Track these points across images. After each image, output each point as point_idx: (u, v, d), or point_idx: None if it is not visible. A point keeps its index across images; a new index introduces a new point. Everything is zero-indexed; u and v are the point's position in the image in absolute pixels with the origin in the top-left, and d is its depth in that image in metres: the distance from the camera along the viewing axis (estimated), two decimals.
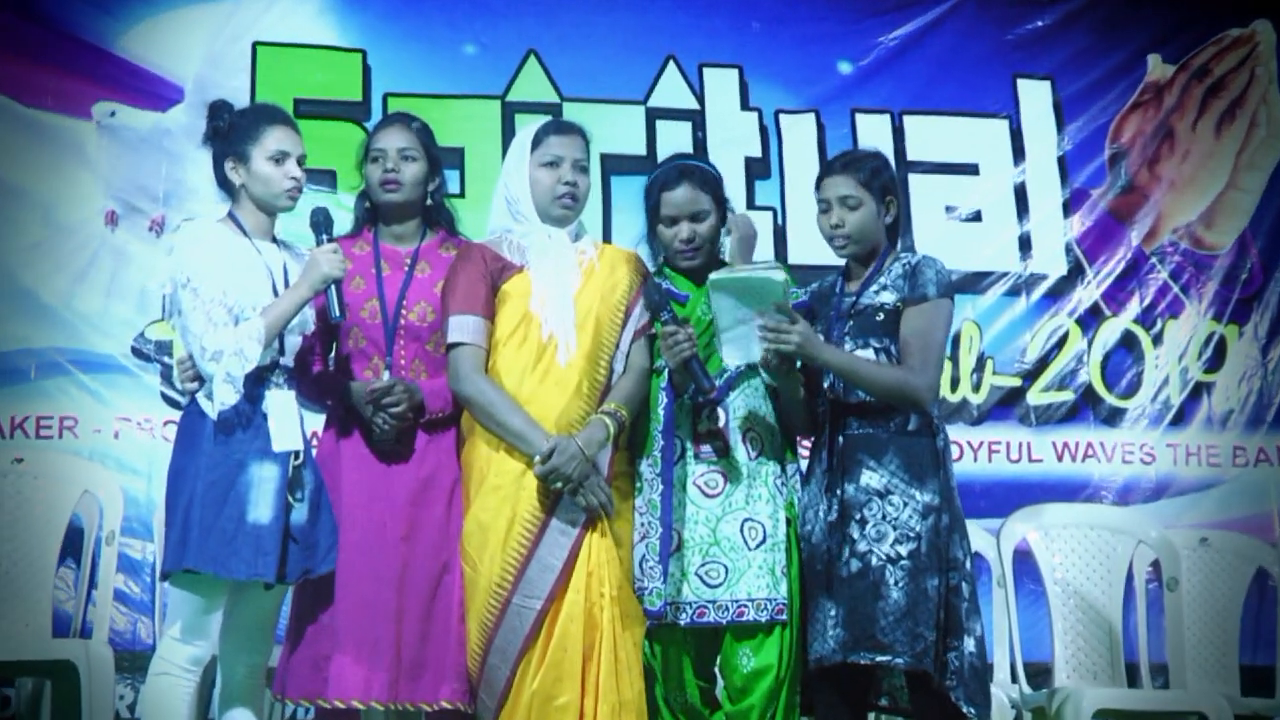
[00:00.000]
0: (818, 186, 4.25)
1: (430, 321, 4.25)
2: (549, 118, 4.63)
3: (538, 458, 4.01)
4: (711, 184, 4.29)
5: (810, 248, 4.25)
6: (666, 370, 4.14)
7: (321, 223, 4.12)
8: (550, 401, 4.11)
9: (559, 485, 4.03)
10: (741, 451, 4.19)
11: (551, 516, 4.08)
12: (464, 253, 4.27)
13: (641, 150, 6.45)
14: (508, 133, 6.18)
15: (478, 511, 4.12)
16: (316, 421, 4.35)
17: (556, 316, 4.15)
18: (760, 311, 3.96)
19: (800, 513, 4.19)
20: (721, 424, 4.18)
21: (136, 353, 5.94)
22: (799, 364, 4.13)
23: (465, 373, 4.13)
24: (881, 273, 4.20)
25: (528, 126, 4.34)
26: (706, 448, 4.19)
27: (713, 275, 4.00)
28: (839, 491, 4.09)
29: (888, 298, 4.15)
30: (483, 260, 4.20)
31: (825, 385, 4.20)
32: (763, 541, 4.16)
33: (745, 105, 6.64)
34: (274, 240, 4.16)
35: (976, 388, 6.62)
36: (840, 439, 4.13)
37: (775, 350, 3.98)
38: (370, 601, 4.10)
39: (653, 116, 6.54)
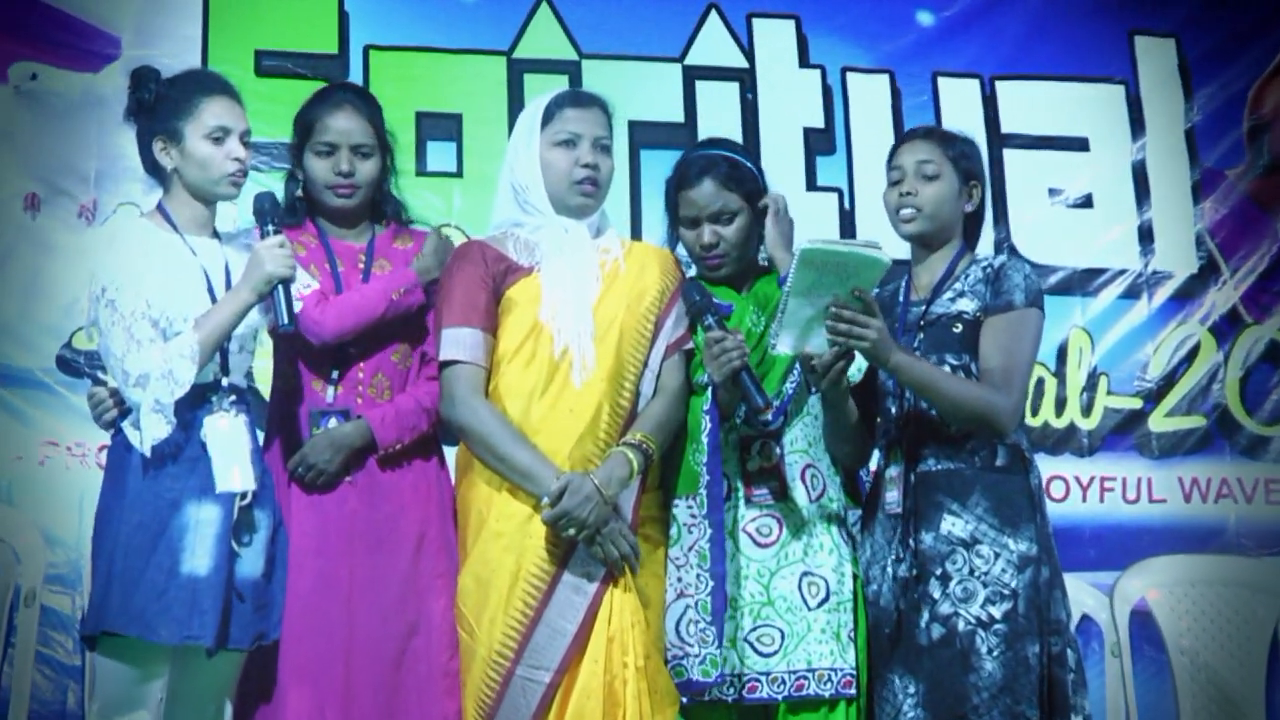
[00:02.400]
0: (891, 155, 4.34)
1: (398, 329, 4.30)
2: (564, 85, 4.69)
3: (546, 499, 4.03)
4: (741, 178, 4.34)
5: (884, 239, 4.21)
6: (711, 388, 4.15)
7: (267, 211, 4.14)
8: (563, 431, 4.12)
9: (572, 533, 4.04)
10: (800, 492, 4.24)
11: (563, 570, 4.09)
12: (461, 252, 4.32)
13: (678, 116, 6.41)
14: (515, 97, 6.18)
15: (475, 564, 4.14)
16: None
17: (572, 328, 4.17)
18: (838, 296, 3.95)
19: (863, 569, 4.25)
20: (776, 460, 4.22)
21: (63, 365, 5.91)
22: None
23: (461, 396, 4.14)
24: (956, 276, 4.25)
25: (537, 98, 4.39)
26: (760, 490, 4.23)
27: (806, 243, 3.95)
28: (913, 541, 4.11)
29: (966, 306, 4.20)
30: (483, 261, 4.23)
31: (893, 408, 4.24)
32: (825, 600, 4.20)
33: (804, 63, 6.60)
34: (214, 235, 4.19)
35: (1087, 411, 6.57)
36: (912, 476, 4.16)
37: (845, 345, 3.97)
38: (314, 673, 4.13)
39: (691, 76, 6.50)
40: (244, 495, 4.01)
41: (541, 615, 4.05)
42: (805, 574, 4.19)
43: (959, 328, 4.17)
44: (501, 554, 4.10)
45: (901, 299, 4.29)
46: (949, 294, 4.21)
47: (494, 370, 4.19)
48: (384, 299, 4.23)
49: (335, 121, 4.35)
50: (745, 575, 4.19)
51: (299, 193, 4.42)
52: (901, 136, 4.43)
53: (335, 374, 4.29)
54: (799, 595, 4.18)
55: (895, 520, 4.14)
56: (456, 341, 4.17)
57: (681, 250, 4.44)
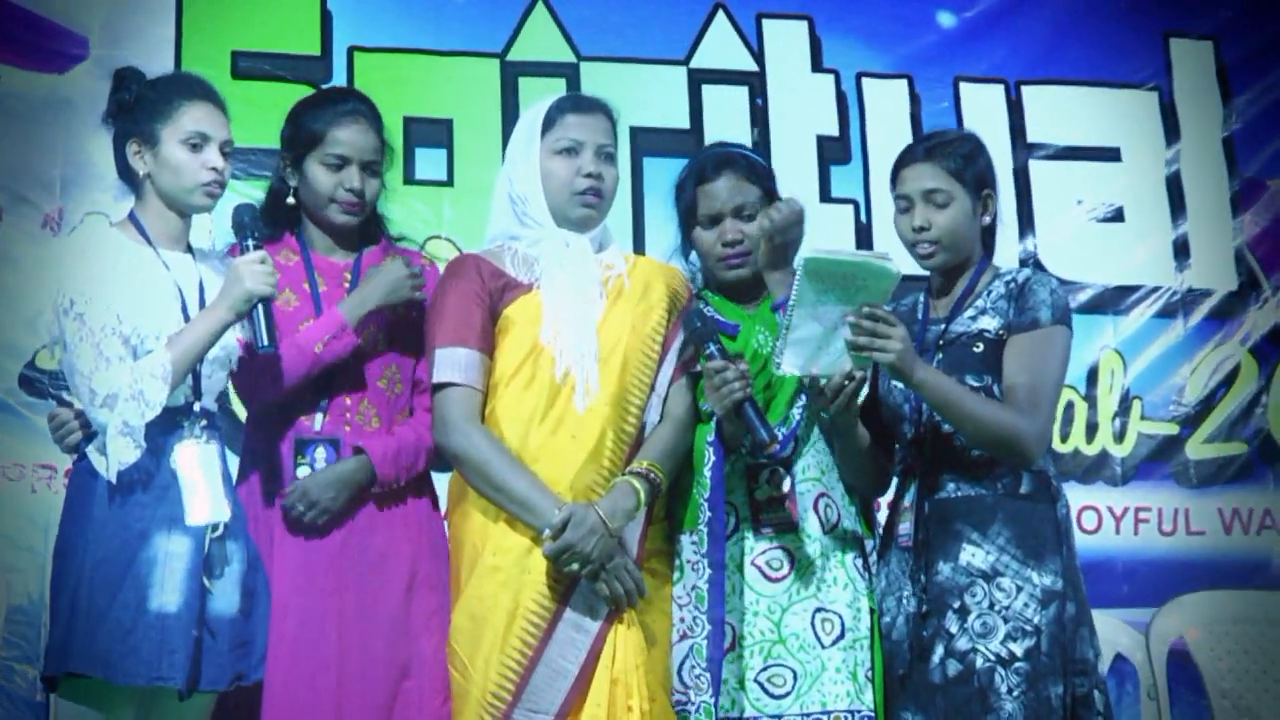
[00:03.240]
0: (894, 179, 4.30)
1: (382, 351, 4.30)
2: (562, 89, 4.68)
3: (547, 531, 4.01)
4: (761, 175, 4.38)
5: (904, 253, 4.20)
6: (715, 419, 4.14)
7: (247, 224, 4.12)
8: (564, 459, 4.12)
9: (575, 567, 4.02)
10: (812, 523, 4.23)
11: (565, 607, 4.07)
12: (455, 267, 4.30)
13: (683, 122, 6.43)
14: (509, 102, 6.19)
15: (469, 601, 4.12)
16: None
17: (574, 349, 4.16)
18: (850, 311, 3.92)
19: (878, 601, 4.25)
20: (786, 489, 4.21)
21: (26, 384, 5.91)
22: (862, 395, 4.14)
23: (455, 421, 4.13)
24: (977, 293, 4.24)
25: (537, 103, 4.37)
26: (769, 521, 4.22)
27: (808, 252, 3.94)
28: (929, 573, 4.11)
29: (988, 324, 4.18)
30: (478, 277, 4.22)
31: (909, 432, 4.23)
32: (840, 637, 4.19)
33: (817, 67, 6.62)
34: (188, 250, 4.16)
35: (1120, 437, 6.58)
36: (927, 504, 4.15)
37: (867, 359, 3.94)
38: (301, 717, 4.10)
39: (697, 80, 6.52)
40: (215, 527, 3.98)
41: (541, 655, 4.04)
42: (818, 610, 4.19)
43: (980, 347, 4.15)
44: (498, 590, 4.08)
45: (920, 316, 4.28)
46: (970, 311, 4.20)
47: (490, 394, 4.18)
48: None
49: (349, 135, 4.34)
50: (754, 611, 4.18)
51: (290, 200, 4.40)
52: (901, 156, 4.34)
53: (324, 401, 4.27)
54: (812, 633, 4.17)
55: (910, 550, 4.15)
56: (450, 362, 4.15)
57: (689, 262, 4.46)
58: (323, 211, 4.35)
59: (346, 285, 4.33)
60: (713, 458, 4.14)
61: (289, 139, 4.41)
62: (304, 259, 4.36)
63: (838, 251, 4.01)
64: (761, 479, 4.22)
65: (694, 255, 4.47)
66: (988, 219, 4.27)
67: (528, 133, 4.29)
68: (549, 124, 4.26)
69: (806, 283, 3.91)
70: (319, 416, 4.26)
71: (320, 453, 4.25)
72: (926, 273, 4.32)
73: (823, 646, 4.16)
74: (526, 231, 4.26)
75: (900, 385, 4.14)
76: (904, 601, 4.13)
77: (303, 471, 4.22)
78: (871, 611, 4.23)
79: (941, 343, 4.18)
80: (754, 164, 4.38)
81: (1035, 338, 4.11)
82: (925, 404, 4.14)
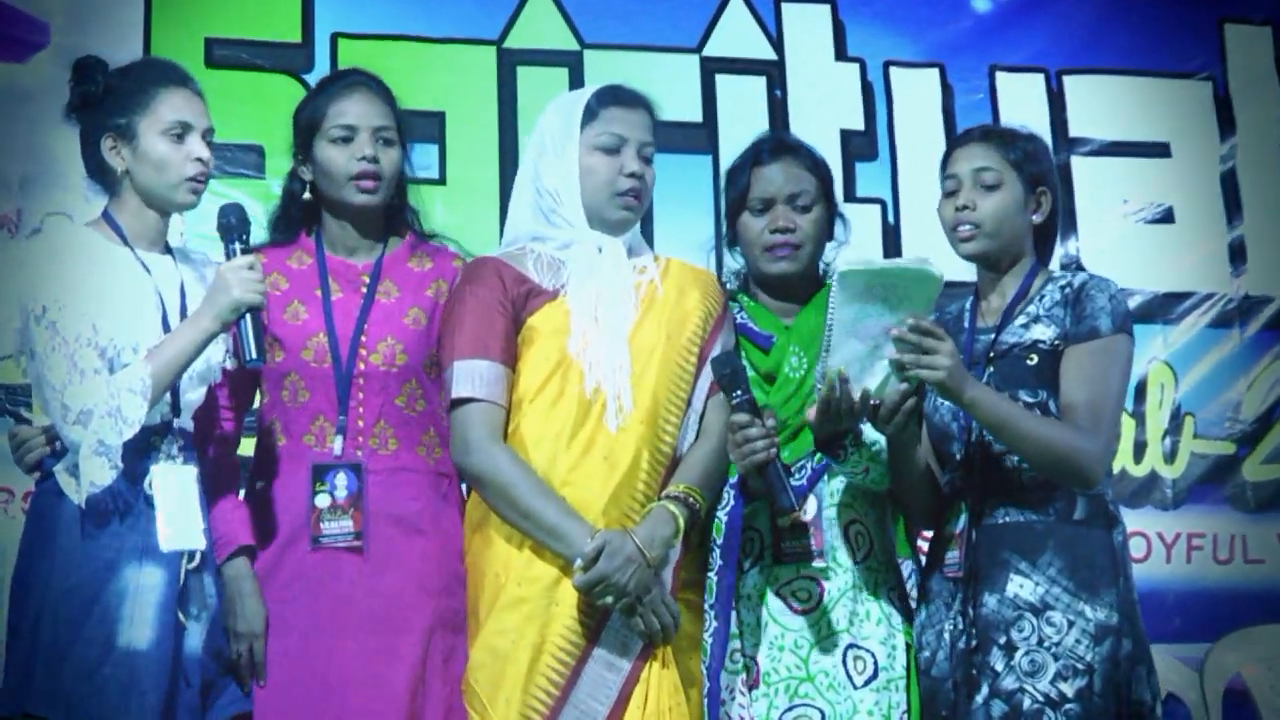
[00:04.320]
0: (945, 162, 4.33)
1: (402, 366, 4.28)
2: (563, 80, 4.65)
3: (579, 561, 4.01)
4: (821, 169, 4.44)
5: (937, 258, 4.17)
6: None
7: (234, 225, 4.09)
8: (596, 482, 4.12)
9: (608, 600, 4.02)
10: (843, 552, 4.24)
11: (595, 644, 4.08)
12: (473, 271, 4.29)
13: (696, 115, 6.41)
14: (507, 93, 6.20)
15: (491, 635, 4.12)
16: None
17: (606, 362, 4.17)
18: (893, 324, 3.92)
19: (916, 635, 4.26)
20: (809, 516, 4.21)
21: None
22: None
23: (476, 441, 4.13)
24: (1030, 298, 4.24)
25: (575, 93, 4.41)
26: (792, 548, 4.23)
27: (842, 265, 3.97)
28: (974, 605, 4.11)
29: (1043, 333, 4.18)
30: (500, 282, 4.22)
31: (956, 453, 4.24)
32: (873, 677, 4.20)
33: (841, 55, 6.64)
34: (168, 250, 4.17)
35: (1170, 458, 6.60)
36: (975, 531, 4.15)
37: (914, 377, 3.94)
38: None
39: (711, 70, 6.53)
40: (191, 557, 3.99)
41: (569, 695, 4.04)
42: (850, 646, 4.20)
43: (1034, 359, 4.15)
44: (523, 623, 4.07)
45: (966, 326, 4.29)
46: (1021, 319, 4.20)
47: (514, 411, 4.18)
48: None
49: (351, 105, 4.35)
50: (780, 646, 4.20)
51: (306, 195, 4.40)
52: (955, 139, 4.43)
53: (342, 419, 4.26)
54: (843, 671, 4.18)
55: (955, 583, 4.14)
56: (470, 376, 4.15)
57: (733, 254, 4.50)
58: (341, 195, 4.33)
59: (364, 290, 4.33)
60: (732, 503, 4.18)
61: (296, 133, 4.43)
62: (319, 261, 4.37)
63: (872, 261, 4.03)
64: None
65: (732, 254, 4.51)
66: (1039, 217, 4.28)
67: (564, 124, 4.29)
68: (590, 116, 4.26)
69: (843, 298, 3.93)
70: (339, 440, 4.24)
71: (341, 479, 4.24)
72: (972, 279, 4.34)
73: (854, 687, 4.17)
74: (555, 232, 4.27)
75: (947, 403, 4.16)
76: (946, 635, 4.14)
77: (322, 500, 4.21)
78: (908, 648, 4.24)
79: (992, 355, 4.19)
80: (814, 156, 4.43)
81: (1094, 349, 4.11)
82: (974, 423, 4.14)
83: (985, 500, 4.14)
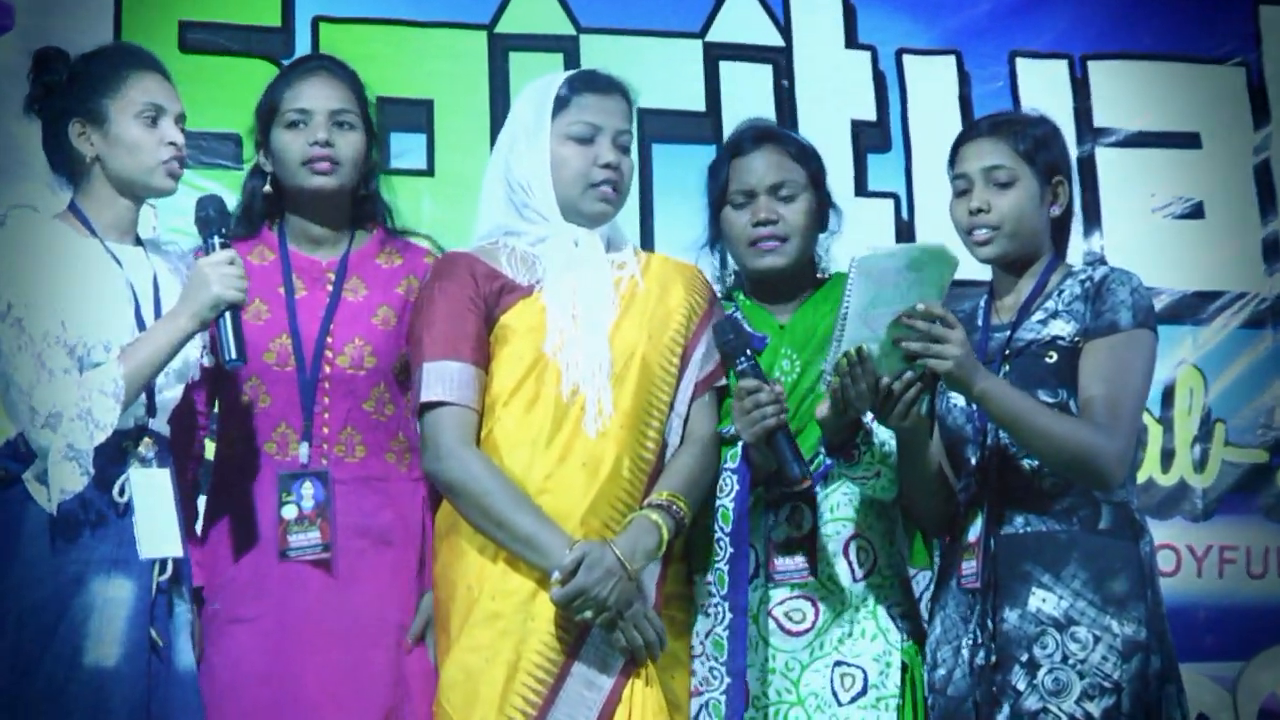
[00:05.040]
0: (953, 158, 4.34)
1: (370, 368, 4.31)
2: (559, 66, 4.68)
3: (556, 574, 4.00)
4: (806, 156, 4.43)
5: (955, 252, 4.15)
6: (741, 444, 4.15)
7: (213, 218, 4.11)
8: (574, 490, 4.12)
9: (589, 615, 4.01)
10: (842, 569, 4.26)
11: (574, 660, 4.08)
12: (443, 267, 4.30)
13: (699, 105, 6.42)
14: (498, 81, 6.21)
15: (463, 653, 4.11)
16: None
17: (584, 363, 4.16)
18: (903, 311, 3.92)
19: (930, 651, 4.25)
20: (806, 530, 4.20)
21: None
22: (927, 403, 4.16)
23: (448, 447, 4.12)
24: (1047, 293, 4.24)
25: (546, 78, 4.39)
26: (785, 563, 4.22)
27: (860, 255, 3.90)
28: (993, 620, 4.10)
29: (1061, 329, 4.18)
30: (471, 279, 4.22)
31: (972, 457, 4.23)
32: (861, 693, 4.22)
33: (852, 42, 6.63)
34: (138, 242, 4.18)
35: (1200, 466, 6.59)
36: (993, 541, 4.13)
37: (920, 367, 3.93)
38: None
39: (715, 57, 6.52)
40: (164, 569, 4.00)
41: (547, 715, 4.04)
42: (838, 664, 4.22)
43: (1053, 357, 4.14)
44: (497, 640, 4.07)
45: (980, 323, 4.28)
46: (1039, 315, 4.19)
47: (487, 414, 4.18)
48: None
49: (306, 88, 4.38)
50: (771, 669, 4.21)
51: (267, 188, 4.42)
52: (962, 134, 4.38)
53: (306, 426, 4.28)
54: (829, 690, 4.20)
55: (973, 595, 4.13)
56: (441, 378, 4.14)
57: (715, 253, 4.50)
58: (295, 180, 4.35)
59: (329, 287, 4.34)
60: (736, 486, 4.15)
61: (257, 124, 4.45)
62: (281, 257, 4.38)
63: (888, 247, 4.09)
64: (780, 517, 4.24)
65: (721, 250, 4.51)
66: (1057, 210, 4.28)
67: (535, 112, 4.29)
68: (561, 104, 4.27)
69: (859, 285, 3.90)
70: (304, 447, 4.25)
71: (308, 489, 4.25)
72: (986, 277, 4.35)
73: (839, 704, 4.19)
74: (527, 226, 4.27)
75: (961, 403, 4.18)
76: (963, 651, 4.13)
77: (289, 511, 4.21)
78: (904, 666, 4.23)
79: (1007, 352, 4.18)
80: (800, 144, 4.43)
81: (1114, 343, 4.10)
82: (990, 424, 4.13)
83: (1002, 508, 4.14)
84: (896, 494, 4.23)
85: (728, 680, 4.09)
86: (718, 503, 4.19)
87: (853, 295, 3.88)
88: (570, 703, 4.03)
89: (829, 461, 4.20)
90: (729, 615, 4.10)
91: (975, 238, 4.22)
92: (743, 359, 4.07)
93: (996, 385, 4.00)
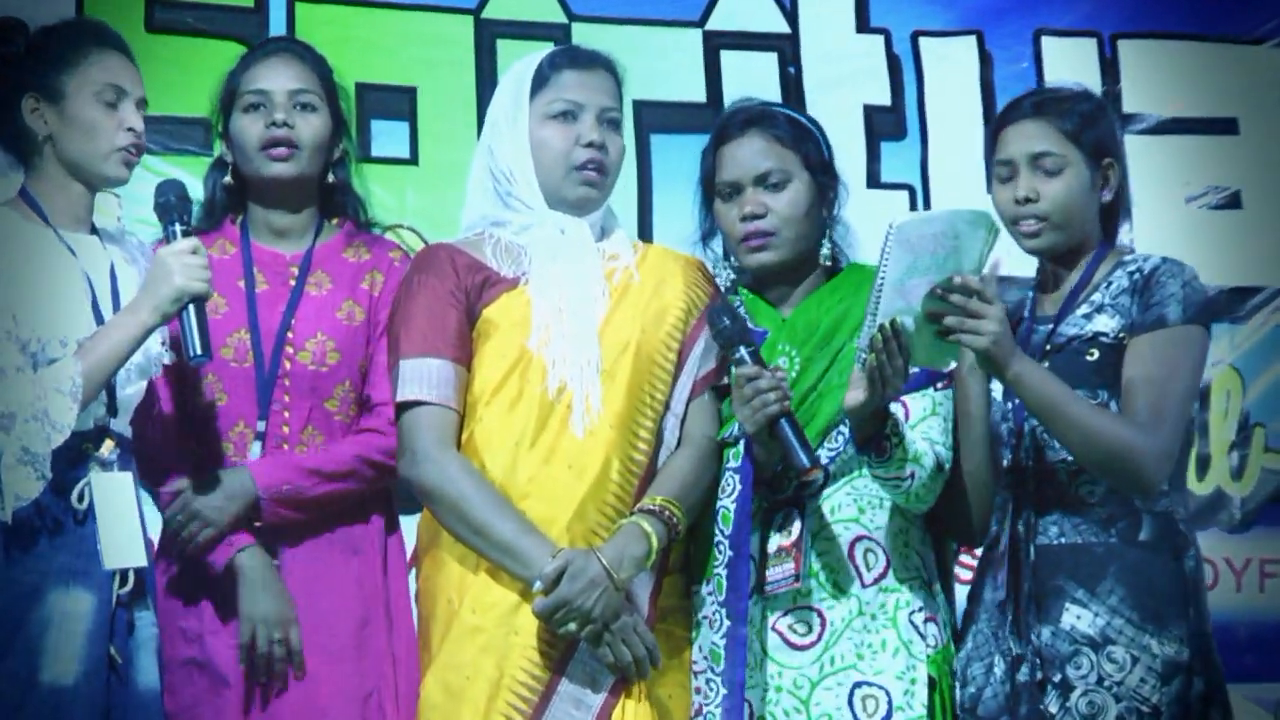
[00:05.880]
0: (992, 142, 4.29)
1: (333, 365, 4.36)
2: (553, 45, 4.69)
3: (539, 584, 3.99)
4: (800, 137, 4.36)
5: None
6: (743, 439, 4.14)
7: (173, 204, 4.10)
8: (560, 494, 4.12)
9: (573, 628, 4.01)
10: (847, 575, 4.21)
11: (560, 677, 4.08)
12: (423, 259, 4.33)
13: (699, 95, 6.45)
14: (485, 67, 6.23)
15: (444, 670, 4.12)
16: None
17: (571, 359, 4.16)
18: (939, 284, 3.88)
19: (960, 668, 4.22)
20: (794, 538, 4.16)
21: None
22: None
23: (425, 449, 4.12)
24: (1094, 285, 4.21)
25: (525, 58, 4.40)
26: (773, 572, 4.19)
27: (898, 220, 3.84)
28: (1027, 638, 4.09)
29: (1106, 324, 4.15)
30: (452, 271, 4.23)
31: (1006, 459, 4.22)
32: (887, 717, 4.17)
33: (863, 26, 6.64)
34: (93, 231, 4.18)
35: (1238, 473, 6.59)
36: (1028, 551, 4.12)
37: (955, 343, 3.91)
38: None
39: (716, 45, 6.54)
40: (125, 581, 3.99)
41: None
42: (859, 685, 4.17)
43: (1095, 354, 4.12)
44: (478, 655, 4.07)
45: (1026, 314, 4.27)
46: (1084, 309, 4.18)
47: (468, 414, 4.18)
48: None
49: (264, 70, 4.41)
50: (778, 687, 4.20)
51: (227, 179, 4.44)
52: (1002, 114, 4.35)
53: (261, 424, 4.32)
54: (849, 712, 4.16)
55: (1002, 609, 4.12)
56: (419, 376, 4.14)
57: (710, 250, 4.47)
58: (253, 166, 4.37)
59: (292, 282, 4.37)
60: (739, 486, 4.14)
61: (217, 111, 4.49)
62: (243, 250, 4.41)
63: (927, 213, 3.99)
64: (775, 523, 4.21)
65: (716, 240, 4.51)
66: (1108, 195, 4.24)
67: (514, 94, 4.29)
68: (540, 83, 4.27)
69: (897, 253, 3.84)
70: (258, 445, 4.30)
71: None
72: (1033, 272, 4.35)
73: None
74: (512, 215, 4.26)
75: (999, 396, 4.17)
76: (995, 670, 4.11)
77: None
78: (931, 682, 4.19)
79: (1048, 348, 4.16)
80: (795, 125, 4.35)
81: (1160, 339, 4.06)
82: (1027, 426, 4.12)
83: (1037, 516, 4.12)
84: (927, 503, 4.20)
85: (723, 692, 4.09)
86: (719, 504, 4.19)
87: (889, 264, 3.83)
88: None
89: (839, 447, 4.19)
90: (726, 623, 4.09)
91: (1023, 229, 4.20)
92: (741, 346, 4.06)
93: (1032, 369, 3.96)
